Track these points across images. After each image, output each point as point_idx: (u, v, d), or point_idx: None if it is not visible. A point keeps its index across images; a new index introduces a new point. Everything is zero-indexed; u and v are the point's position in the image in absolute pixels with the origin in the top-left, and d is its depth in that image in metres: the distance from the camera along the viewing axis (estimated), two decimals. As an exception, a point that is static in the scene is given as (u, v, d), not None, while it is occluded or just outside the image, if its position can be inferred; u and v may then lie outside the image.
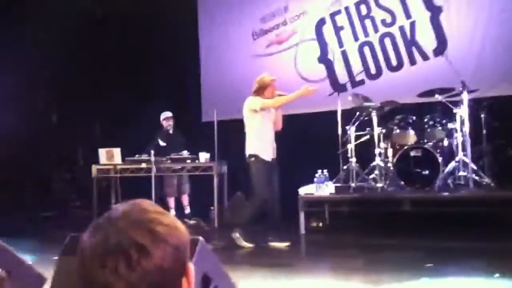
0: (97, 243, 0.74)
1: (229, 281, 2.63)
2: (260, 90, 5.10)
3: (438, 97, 5.87)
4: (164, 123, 7.09)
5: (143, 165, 6.66)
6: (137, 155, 6.84)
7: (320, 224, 6.24)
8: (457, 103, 5.76)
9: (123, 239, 0.73)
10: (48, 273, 2.93)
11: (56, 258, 2.71)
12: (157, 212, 0.80)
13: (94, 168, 7.03)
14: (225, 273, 2.61)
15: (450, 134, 5.93)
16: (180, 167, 6.80)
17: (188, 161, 6.75)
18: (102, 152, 6.85)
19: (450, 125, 5.87)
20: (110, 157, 6.77)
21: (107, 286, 0.72)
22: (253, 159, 5.01)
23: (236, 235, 5.03)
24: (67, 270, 2.55)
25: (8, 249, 3.13)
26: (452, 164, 5.73)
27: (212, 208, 6.58)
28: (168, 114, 7.16)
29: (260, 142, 5.03)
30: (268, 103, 5.00)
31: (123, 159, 6.82)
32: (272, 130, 5.18)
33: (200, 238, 2.35)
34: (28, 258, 3.37)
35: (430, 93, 5.93)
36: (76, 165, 9.38)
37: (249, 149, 5.06)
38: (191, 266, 0.82)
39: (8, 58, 7.96)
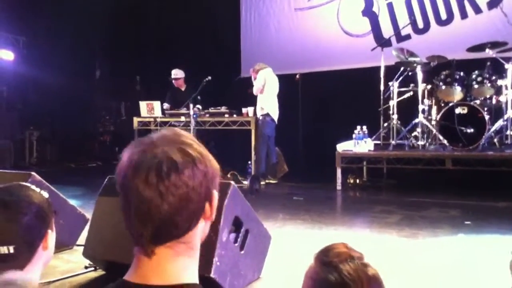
0: (133, 155, 0.80)
1: (260, 226, 2.67)
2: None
3: (489, 52, 5.54)
4: (174, 83, 7.21)
5: (182, 118, 6.75)
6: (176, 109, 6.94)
7: (357, 181, 6.19)
8: (509, 59, 5.43)
9: (158, 153, 0.79)
10: (90, 215, 3.10)
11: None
12: (192, 140, 0.85)
13: (136, 120, 7.21)
14: (256, 217, 2.65)
15: (499, 91, 5.62)
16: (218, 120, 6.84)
17: (226, 115, 6.78)
18: (143, 105, 6.99)
19: (500, 82, 5.55)
20: (150, 109, 6.91)
21: (138, 193, 0.77)
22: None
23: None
24: (106, 209, 2.67)
25: (56, 192, 3.32)
26: (499, 123, 5.47)
27: (249, 162, 6.63)
28: (176, 74, 7.17)
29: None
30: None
31: (163, 112, 6.93)
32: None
33: (232, 182, 2.39)
34: (73, 202, 3.57)
35: (481, 47, 5.59)
36: (119, 118, 9.65)
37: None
38: (215, 194, 0.86)
39: (58, 24, 8.23)
